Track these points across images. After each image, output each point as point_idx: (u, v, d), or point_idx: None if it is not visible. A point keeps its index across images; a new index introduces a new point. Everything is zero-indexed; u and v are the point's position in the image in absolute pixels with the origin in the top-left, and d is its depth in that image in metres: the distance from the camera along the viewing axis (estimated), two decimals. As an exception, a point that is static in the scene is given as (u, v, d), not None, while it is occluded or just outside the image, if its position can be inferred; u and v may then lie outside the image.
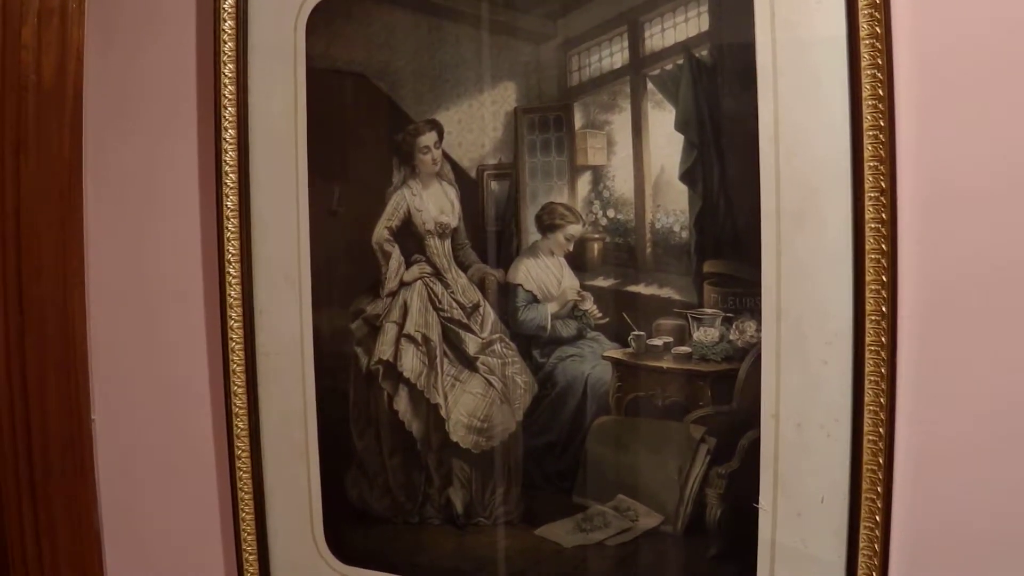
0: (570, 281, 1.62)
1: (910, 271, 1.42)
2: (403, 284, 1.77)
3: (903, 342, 1.42)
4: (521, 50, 1.63)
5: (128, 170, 2.08)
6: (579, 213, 1.60)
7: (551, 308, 1.65)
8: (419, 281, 1.75)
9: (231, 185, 1.86)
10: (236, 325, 1.88)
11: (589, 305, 1.61)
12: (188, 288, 2.01)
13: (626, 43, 1.55)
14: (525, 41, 1.63)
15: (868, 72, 1.39)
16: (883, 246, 1.40)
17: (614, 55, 1.56)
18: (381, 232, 1.77)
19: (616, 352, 1.60)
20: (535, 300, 1.66)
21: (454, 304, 1.73)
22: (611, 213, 1.58)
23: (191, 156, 1.99)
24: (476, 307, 1.71)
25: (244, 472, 1.91)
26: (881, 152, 1.38)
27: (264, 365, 1.89)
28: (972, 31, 1.36)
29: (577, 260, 1.62)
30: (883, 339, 1.41)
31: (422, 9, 1.71)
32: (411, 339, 1.76)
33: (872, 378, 1.42)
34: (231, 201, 1.87)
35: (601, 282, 1.61)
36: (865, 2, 1.38)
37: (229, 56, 1.86)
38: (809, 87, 1.43)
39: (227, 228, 1.87)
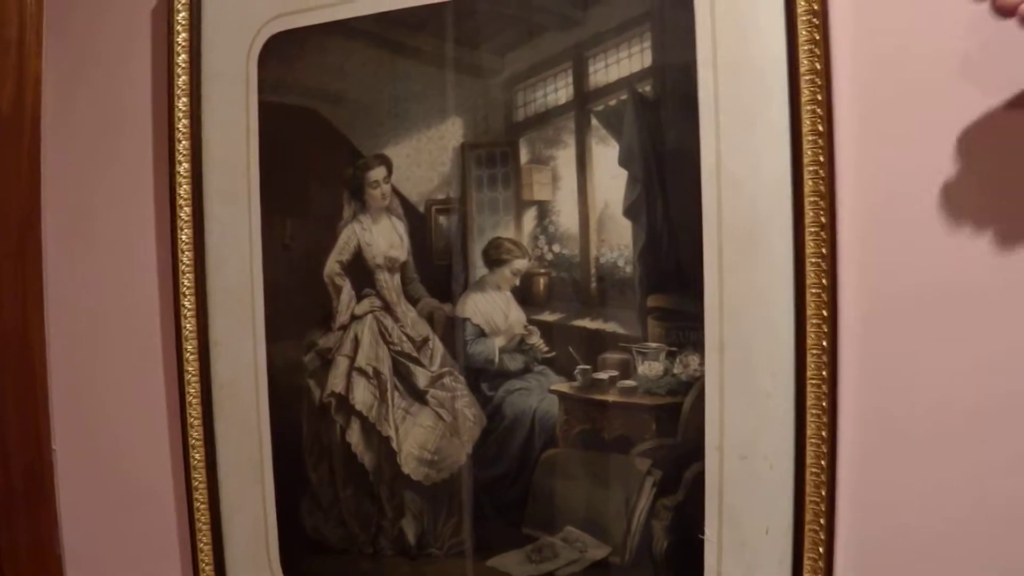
0: (517, 315, 1.61)
1: (850, 304, 1.41)
2: (354, 317, 1.74)
3: (844, 375, 1.41)
4: (469, 85, 1.62)
5: (86, 202, 2.06)
6: (525, 248, 1.59)
7: (499, 342, 1.63)
8: (370, 315, 1.73)
9: (185, 218, 1.85)
10: (192, 357, 1.86)
11: (536, 339, 1.59)
12: (145, 320, 1.99)
13: (571, 79, 1.54)
14: (473, 77, 1.61)
15: (808, 108, 1.38)
16: (823, 280, 1.38)
17: (559, 91, 1.55)
18: (332, 266, 1.75)
19: (563, 386, 1.58)
20: (483, 334, 1.64)
21: (404, 338, 1.71)
22: (556, 248, 1.56)
23: (147, 188, 1.97)
24: (425, 341, 1.69)
25: (201, 502, 1.88)
26: (821, 187, 1.37)
27: (220, 397, 1.86)
28: (912, 66, 1.35)
29: (524, 294, 1.60)
30: (824, 372, 1.39)
31: (373, 44, 1.69)
32: (362, 372, 1.74)
33: (813, 411, 1.40)
34: (185, 234, 1.85)
35: (547, 316, 1.59)
36: (805, 38, 1.37)
37: (183, 89, 1.84)
38: (750, 122, 1.42)
39: (182, 261, 1.85)
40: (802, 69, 1.37)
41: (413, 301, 1.70)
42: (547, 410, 1.59)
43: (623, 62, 1.50)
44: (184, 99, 1.84)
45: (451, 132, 1.63)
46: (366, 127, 1.70)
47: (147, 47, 1.97)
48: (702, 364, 1.47)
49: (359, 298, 1.74)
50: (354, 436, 1.76)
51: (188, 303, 1.86)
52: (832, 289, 1.38)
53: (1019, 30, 1.18)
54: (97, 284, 2.07)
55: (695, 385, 1.48)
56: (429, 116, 1.65)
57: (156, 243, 1.98)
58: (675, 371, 1.49)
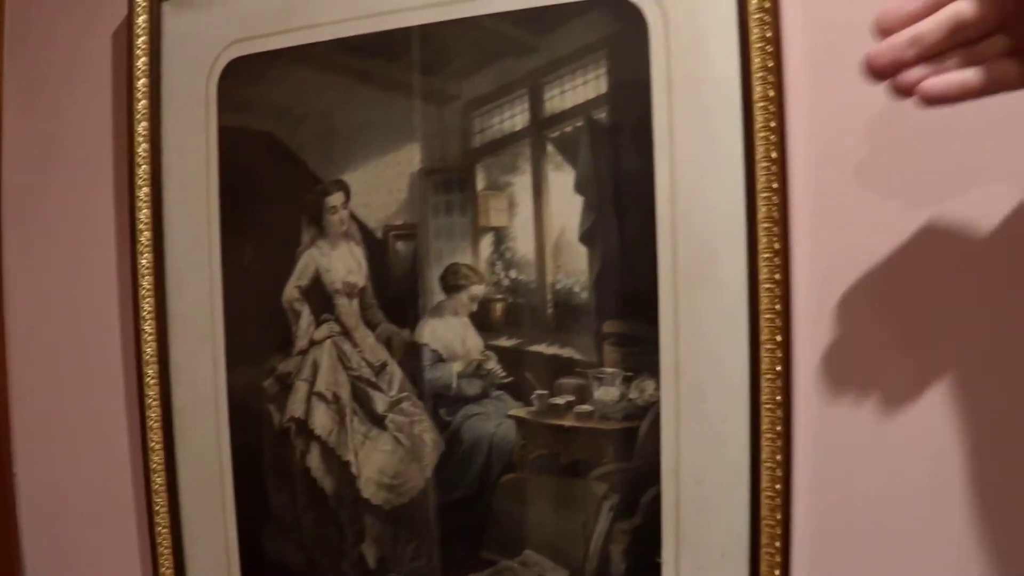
0: (474, 341, 1.60)
1: (804, 329, 1.42)
2: (313, 343, 1.73)
3: (798, 399, 1.42)
4: (427, 112, 1.61)
5: (46, 226, 2.04)
6: (482, 274, 1.58)
7: (457, 367, 1.62)
8: (329, 340, 1.72)
9: (145, 243, 1.83)
10: (152, 382, 1.84)
11: (493, 364, 1.59)
12: (106, 345, 1.98)
13: (527, 105, 1.54)
14: (431, 103, 1.61)
15: (761, 135, 1.38)
16: (776, 306, 1.39)
17: (515, 117, 1.54)
18: (291, 291, 1.74)
19: (520, 411, 1.56)
20: (441, 359, 1.63)
21: (363, 363, 1.69)
22: (513, 274, 1.55)
23: (107, 213, 1.96)
24: (384, 366, 1.68)
25: (163, 527, 1.87)
26: (775, 213, 1.37)
27: (181, 422, 1.85)
28: (867, 91, 1.33)
29: (481, 320, 1.59)
30: (778, 397, 1.39)
31: (332, 70, 1.69)
32: (321, 397, 1.73)
33: (768, 435, 1.40)
34: (146, 259, 1.83)
35: (504, 342, 1.58)
36: (758, 64, 1.38)
37: (143, 114, 1.82)
38: (705, 148, 1.42)
39: (142, 285, 1.83)
40: (755, 96, 1.38)
41: (372, 326, 1.67)
42: (505, 435, 1.58)
43: (579, 89, 1.49)
44: (144, 123, 1.81)
45: (409, 158, 1.61)
46: (325, 153, 1.69)
47: (107, 71, 1.95)
48: (658, 389, 1.45)
49: (318, 323, 1.72)
50: (314, 461, 1.75)
51: (149, 327, 1.82)
52: (785, 314, 1.39)
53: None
54: (57, 309, 2.04)
55: (651, 410, 1.46)
56: (387, 142, 1.63)
57: (117, 268, 1.95)
58: (631, 396, 1.47)
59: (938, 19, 0.90)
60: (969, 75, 0.91)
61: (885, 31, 0.93)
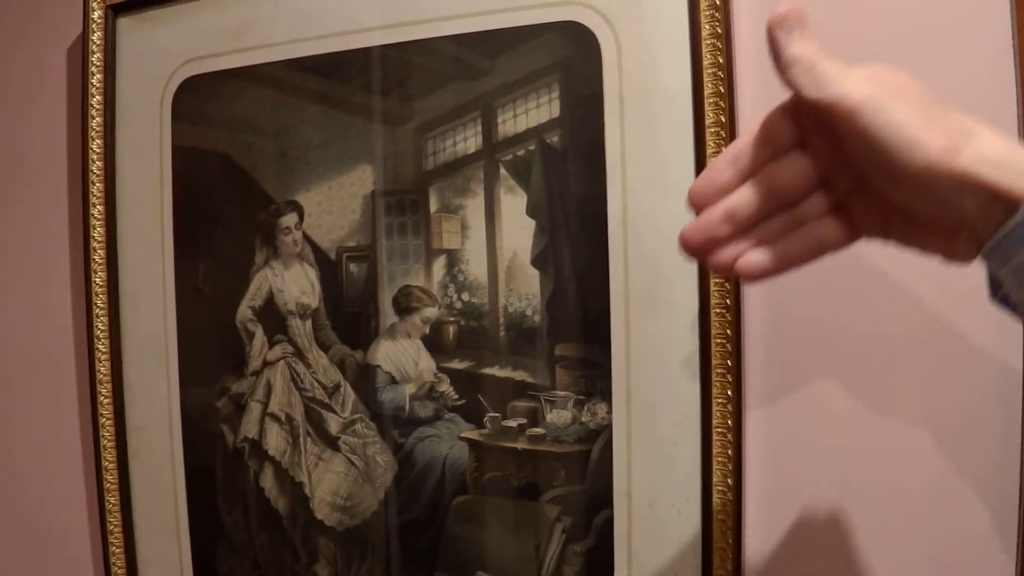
0: (427, 363, 1.59)
1: (755, 354, 1.42)
2: (267, 363, 1.71)
3: (749, 422, 1.42)
4: (379, 133, 1.60)
5: (3, 244, 2.03)
6: (435, 296, 1.57)
7: (409, 389, 1.61)
8: (282, 361, 1.71)
9: (99, 261, 1.81)
10: (106, 401, 1.82)
11: (445, 387, 1.58)
12: (59, 364, 1.95)
13: (480, 128, 1.53)
14: (383, 124, 1.60)
15: (712, 160, 1.37)
16: (728, 331, 1.38)
17: (468, 140, 1.53)
18: (245, 311, 1.72)
19: (472, 433, 1.55)
20: (394, 381, 1.62)
21: (316, 384, 1.68)
22: (466, 296, 1.55)
23: (61, 231, 1.94)
24: (337, 387, 1.66)
25: (117, 547, 1.84)
26: None
27: (135, 441, 1.83)
28: None
29: (434, 342, 1.58)
30: (729, 421, 1.39)
31: (285, 90, 1.68)
32: (275, 418, 1.71)
33: (719, 459, 1.40)
34: (99, 277, 1.81)
35: (457, 364, 1.57)
36: (710, 90, 1.37)
37: (97, 132, 1.80)
38: (658, 172, 1.41)
39: (96, 304, 1.81)
40: (707, 120, 1.37)
41: (325, 348, 1.67)
42: (457, 457, 1.57)
43: (531, 112, 1.48)
44: (99, 141, 1.79)
45: (362, 179, 1.61)
46: (278, 173, 1.68)
47: (62, 87, 1.93)
48: (610, 412, 1.45)
49: (271, 344, 1.71)
50: (267, 481, 1.73)
51: (102, 346, 1.80)
52: (736, 339, 1.38)
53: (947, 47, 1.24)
54: (9, 327, 2.02)
55: (603, 433, 1.45)
56: (340, 163, 1.62)
57: (71, 286, 1.93)
58: (583, 419, 1.47)
59: (752, 189, 0.82)
60: (791, 245, 0.83)
61: (698, 206, 0.84)
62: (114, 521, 1.84)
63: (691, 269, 1.39)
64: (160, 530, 1.82)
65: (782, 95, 1.31)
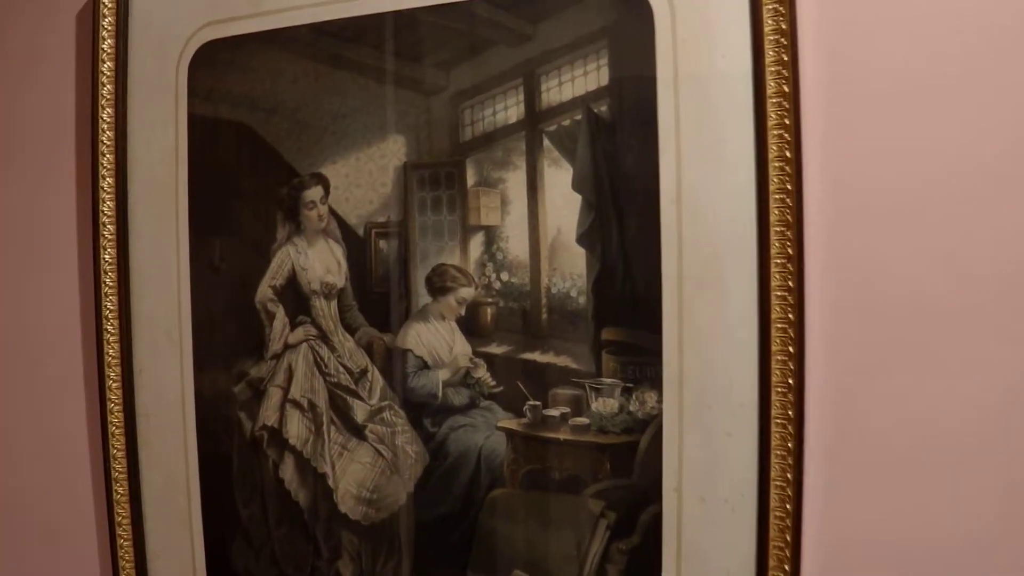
0: (462, 347, 1.53)
1: (818, 340, 1.33)
2: (288, 346, 1.65)
3: (811, 414, 1.33)
4: (412, 101, 1.53)
5: (7, 218, 1.95)
6: (471, 275, 1.51)
7: (442, 375, 1.55)
8: (304, 344, 1.64)
9: (108, 237, 1.75)
10: (115, 385, 1.76)
11: (482, 372, 1.51)
12: (66, 345, 1.89)
13: (522, 96, 1.47)
14: (416, 92, 1.53)
15: (775, 132, 1.31)
16: (790, 315, 1.31)
17: (509, 109, 1.47)
18: (265, 291, 1.65)
19: (511, 422, 1.50)
20: (426, 366, 1.56)
21: (341, 369, 1.61)
22: (505, 276, 1.48)
23: (69, 205, 1.87)
24: (364, 372, 1.60)
25: (125, 540, 1.77)
26: (788, 216, 1.30)
27: (144, 427, 1.76)
28: (885, 88, 1.28)
29: (470, 325, 1.52)
30: (789, 412, 1.32)
31: (309, 56, 1.60)
32: (296, 405, 1.65)
33: (778, 452, 1.33)
34: (108, 254, 1.75)
35: (495, 348, 1.51)
36: (772, 59, 1.30)
37: (108, 100, 1.74)
38: (713, 146, 1.35)
39: (104, 282, 1.75)
40: (769, 91, 1.31)
41: (351, 330, 1.61)
42: (494, 448, 1.51)
43: (578, 80, 1.42)
44: (109, 110, 1.74)
45: (393, 151, 1.55)
46: (302, 144, 1.62)
47: (71, 53, 1.86)
48: (660, 401, 1.39)
49: (293, 326, 1.65)
50: (288, 472, 1.67)
51: (111, 327, 1.75)
52: (799, 323, 1.31)
53: (998, 36, 1.21)
54: (14, 306, 1.96)
55: (652, 423, 1.40)
56: (369, 133, 1.56)
57: (78, 263, 1.87)
58: (631, 408, 1.41)
59: None
60: None
61: None
62: (122, 512, 1.78)
63: (750, 248, 1.32)
64: (171, 523, 1.77)
65: (847, 62, 1.28)
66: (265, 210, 1.66)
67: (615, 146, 1.41)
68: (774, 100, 1.30)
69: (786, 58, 1.30)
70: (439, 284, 1.53)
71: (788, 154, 1.30)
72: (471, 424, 1.53)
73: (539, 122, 1.46)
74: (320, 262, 1.62)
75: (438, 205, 1.53)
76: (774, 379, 1.33)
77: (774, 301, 1.32)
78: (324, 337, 1.63)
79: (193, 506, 1.75)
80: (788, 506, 1.33)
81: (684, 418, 1.38)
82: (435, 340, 1.55)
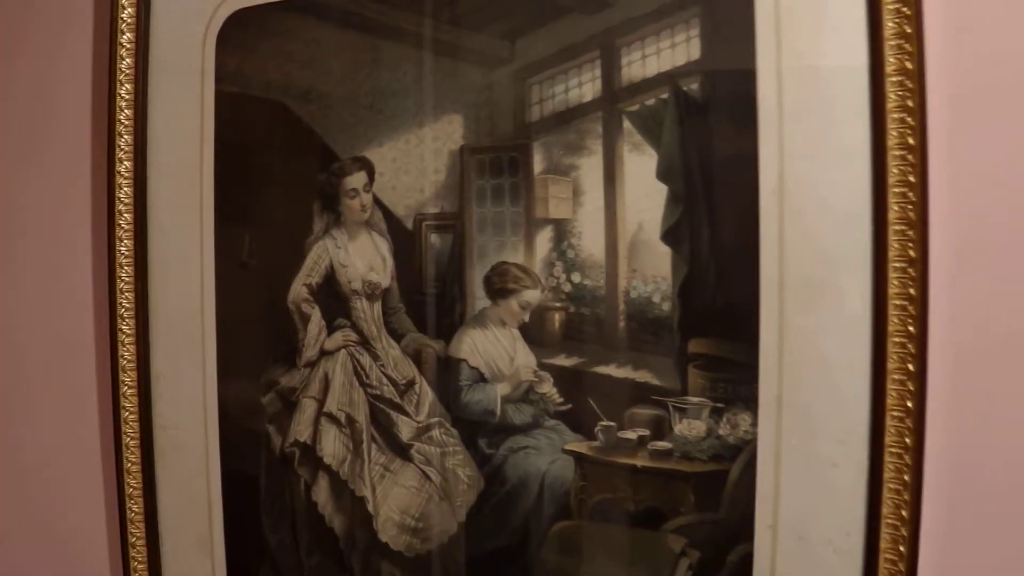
0: (525, 358, 1.44)
1: (942, 358, 1.21)
2: (324, 353, 1.57)
3: (932, 443, 1.22)
4: (470, 77, 1.46)
5: (12, 205, 1.88)
6: (537, 276, 1.42)
7: (501, 390, 1.47)
8: (343, 350, 1.56)
9: (125, 227, 1.67)
10: (130, 392, 1.68)
11: (548, 388, 1.43)
12: (76, 347, 1.80)
13: (599, 71, 1.38)
14: (475, 66, 1.46)
15: (895, 115, 1.19)
16: (910, 327, 1.20)
17: (583, 86, 1.38)
18: (299, 290, 1.58)
19: (580, 445, 1.41)
20: (482, 379, 1.48)
21: (384, 380, 1.53)
22: (576, 278, 1.39)
23: (83, 191, 1.79)
24: (411, 385, 1.52)
25: (140, 563, 1.70)
26: (910, 213, 1.19)
27: (162, 440, 1.69)
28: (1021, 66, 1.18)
29: (534, 333, 1.44)
30: (907, 439, 1.21)
31: (354, 24, 1.53)
32: (333, 419, 1.57)
33: (892, 485, 1.22)
34: (125, 245, 1.67)
35: (563, 360, 1.42)
36: (892, 28, 1.19)
37: (127, 75, 1.67)
38: (822, 131, 1.24)
39: (120, 277, 1.67)
40: (888, 68, 1.19)
41: (396, 336, 1.53)
42: (559, 474, 1.43)
43: (664, 53, 1.33)
44: (128, 86, 1.66)
45: (447, 132, 1.47)
46: (342, 124, 1.54)
47: (88, 24, 1.78)
48: (754, 425, 1.29)
49: (331, 330, 1.57)
50: (322, 495, 1.59)
51: (127, 327, 1.67)
52: (920, 338, 1.20)
53: None
54: (24, 303, 1.89)
55: (745, 450, 1.30)
56: (420, 112, 1.48)
57: (92, 256, 1.79)
58: (720, 432, 1.32)
59: None
60: None
61: None
62: (136, 532, 1.71)
63: (863, 249, 1.22)
64: (190, 546, 1.70)
65: (979, 31, 1.20)
66: (300, 198, 1.59)
67: (707, 129, 1.33)
68: (894, 79, 1.19)
69: (909, 30, 1.18)
70: (499, 285, 1.45)
71: (911, 141, 1.19)
72: (534, 446, 1.45)
73: (618, 101, 1.37)
74: (362, 258, 1.55)
75: (499, 195, 1.46)
76: (889, 401, 1.22)
77: (891, 311, 1.21)
78: (366, 343, 1.56)
79: (215, 529, 1.68)
80: (902, 548, 1.22)
81: (782, 445, 1.29)
82: (494, 349, 1.47)
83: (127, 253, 1.67)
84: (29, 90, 1.86)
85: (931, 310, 1.20)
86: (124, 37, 1.66)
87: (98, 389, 1.79)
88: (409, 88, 1.49)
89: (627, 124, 1.36)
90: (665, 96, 1.33)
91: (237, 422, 1.65)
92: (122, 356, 1.68)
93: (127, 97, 1.66)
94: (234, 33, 1.62)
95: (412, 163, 1.49)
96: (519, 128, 1.43)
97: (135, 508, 1.70)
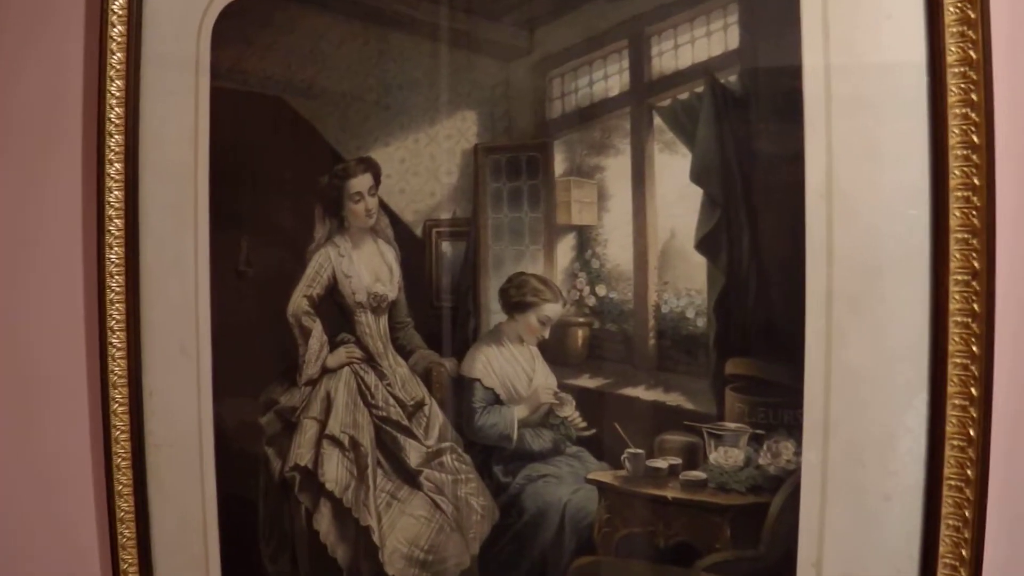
0: (544, 378, 1.36)
1: (1006, 381, 1.15)
2: (326, 370, 1.50)
3: (996, 476, 1.15)
4: (486, 69, 1.39)
5: (2, 209, 1.78)
6: (558, 289, 1.35)
7: (518, 412, 1.39)
8: (347, 368, 1.49)
9: (115, 233, 1.61)
10: (121, 409, 1.62)
11: (569, 411, 1.35)
12: (64, 360, 1.74)
13: (627, 63, 1.31)
14: (491, 58, 1.40)
15: (957, 111, 1.13)
16: (973, 347, 1.12)
17: (609, 79, 1.31)
18: (299, 302, 1.51)
19: (604, 474, 1.34)
20: (497, 401, 1.40)
21: (391, 400, 1.47)
22: (601, 290, 1.32)
23: (70, 195, 1.71)
24: (420, 406, 1.45)
25: None
26: (974, 221, 1.12)
27: (155, 460, 1.62)
28: None
29: (555, 351, 1.36)
30: (968, 471, 1.14)
31: (356, 15, 1.50)
32: (336, 442, 1.50)
33: (951, 521, 1.15)
34: (115, 253, 1.61)
35: (586, 381, 1.34)
36: (953, 17, 1.15)
37: (118, 71, 1.62)
38: (874, 129, 1.18)
39: (110, 287, 1.61)
40: (949, 59, 1.13)
41: (404, 353, 1.46)
42: (582, 505, 1.35)
43: (699, 43, 1.26)
44: (119, 82, 1.61)
45: (460, 130, 1.40)
46: (347, 122, 1.48)
47: (76, 16, 1.70)
48: (799, 454, 1.22)
49: (333, 345, 1.50)
50: (323, 523, 1.51)
51: (117, 340, 1.60)
52: (985, 358, 1.12)
53: None
54: (9, 311, 1.79)
55: (787, 481, 1.23)
56: (430, 109, 1.41)
57: (82, 265, 1.71)
58: (760, 461, 1.25)
59: None
60: None
61: None
62: (128, 559, 1.64)
63: (921, 259, 1.15)
64: (185, 574, 1.63)
65: None
66: (301, 203, 1.53)
67: (747, 127, 1.25)
68: (955, 70, 1.13)
69: (973, 15, 1.12)
70: (517, 298, 1.37)
71: (975, 139, 1.12)
72: (554, 475, 1.37)
73: (648, 95, 1.30)
74: (367, 268, 1.48)
75: (517, 199, 1.38)
76: (949, 429, 1.15)
77: (952, 329, 1.14)
78: (371, 360, 1.49)
79: (211, 556, 1.61)
80: (960, 592, 1.15)
81: (829, 475, 1.22)
82: (510, 369, 1.40)
83: (117, 261, 1.61)
84: (14, 86, 1.78)
85: (997, 328, 1.13)
86: (115, 30, 1.62)
87: (89, 405, 1.71)
88: (419, 82, 1.43)
89: (658, 120, 1.29)
90: (700, 89, 1.27)
91: (234, 442, 1.59)
92: (112, 370, 1.61)
93: (117, 94, 1.60)
94: (232, 24, 1.57)
95: (422, 164, 1.43)
96: (539, 125, 1.36)
97: (127, 532, 1.64)
